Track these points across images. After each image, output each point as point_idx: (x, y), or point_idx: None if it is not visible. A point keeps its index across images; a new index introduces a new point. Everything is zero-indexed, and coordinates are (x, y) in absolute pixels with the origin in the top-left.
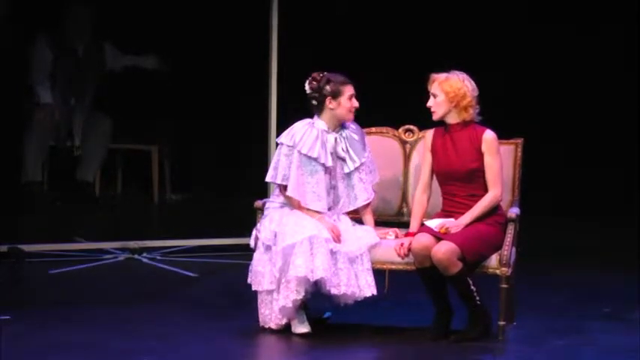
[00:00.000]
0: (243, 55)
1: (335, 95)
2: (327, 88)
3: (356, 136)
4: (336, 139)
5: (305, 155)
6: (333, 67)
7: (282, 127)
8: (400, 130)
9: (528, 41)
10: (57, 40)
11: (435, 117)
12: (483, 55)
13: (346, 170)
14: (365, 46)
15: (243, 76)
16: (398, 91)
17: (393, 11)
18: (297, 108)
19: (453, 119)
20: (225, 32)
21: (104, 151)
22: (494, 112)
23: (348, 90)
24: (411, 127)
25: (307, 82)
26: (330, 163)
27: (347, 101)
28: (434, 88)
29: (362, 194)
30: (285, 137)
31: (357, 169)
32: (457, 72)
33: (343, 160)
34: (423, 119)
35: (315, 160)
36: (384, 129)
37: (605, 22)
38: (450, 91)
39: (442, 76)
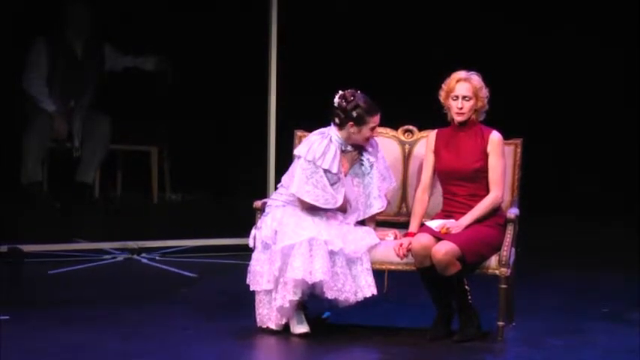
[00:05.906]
0: (243, 55)
1: (359, 122)
2: (354, 113)
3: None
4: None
5: (326, 169)
6: (332, 66)
7: (282, 127)
8: (399, 130)
9: (527, 41)
10: (55, 40)
11: (463, 119)
12: (482, 55)
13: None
14: (364, 45)
15: (243, 76)
16: (397, 91)
17: (392, 10)
18: (297, 108)
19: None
20: (224, 32)
21: (104, 152)
22: (493, 111)
23: (374, 121)
24: (410, 127)
25: (338, 96)
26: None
27: (368, 131)
28: (465, 90)
29: (376, 202)
30: (303, 150)
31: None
32: (473, 72)
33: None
34: (422, 119)
35: (335, 174)
36: (383, 129)
37: (605, 23)
38: (481, 96)
39: (474, 78)
